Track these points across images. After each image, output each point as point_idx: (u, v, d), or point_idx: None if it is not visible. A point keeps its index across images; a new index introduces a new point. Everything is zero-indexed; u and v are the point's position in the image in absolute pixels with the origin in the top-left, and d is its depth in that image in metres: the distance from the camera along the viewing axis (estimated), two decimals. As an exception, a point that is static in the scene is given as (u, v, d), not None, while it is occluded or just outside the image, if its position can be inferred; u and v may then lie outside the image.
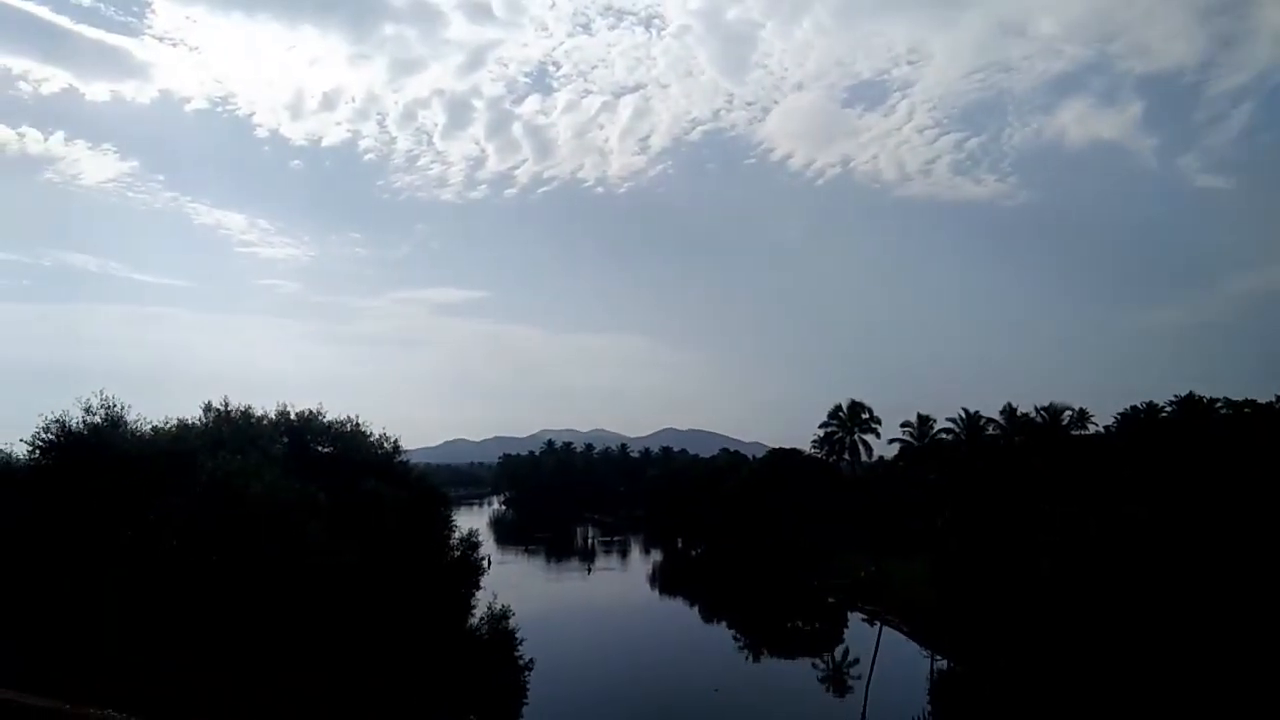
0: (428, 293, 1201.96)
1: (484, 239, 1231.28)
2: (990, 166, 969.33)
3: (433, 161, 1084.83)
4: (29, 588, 20.72)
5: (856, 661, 50.28)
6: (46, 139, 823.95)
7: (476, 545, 41.27)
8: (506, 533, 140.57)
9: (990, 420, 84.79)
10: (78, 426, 26.52)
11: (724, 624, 64.66)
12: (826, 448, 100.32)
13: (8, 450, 27.49)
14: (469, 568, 39.71)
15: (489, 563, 43.48)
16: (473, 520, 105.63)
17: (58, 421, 26.17)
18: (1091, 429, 76.45)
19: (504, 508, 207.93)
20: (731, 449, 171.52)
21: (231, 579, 22.78)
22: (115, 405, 27.74)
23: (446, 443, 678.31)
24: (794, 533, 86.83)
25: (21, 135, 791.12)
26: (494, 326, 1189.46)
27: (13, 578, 20.97)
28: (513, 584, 53.61)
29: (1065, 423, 75.72)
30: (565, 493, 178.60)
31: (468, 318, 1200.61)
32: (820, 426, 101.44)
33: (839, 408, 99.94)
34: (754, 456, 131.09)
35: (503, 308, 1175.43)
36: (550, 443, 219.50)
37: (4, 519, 21.74)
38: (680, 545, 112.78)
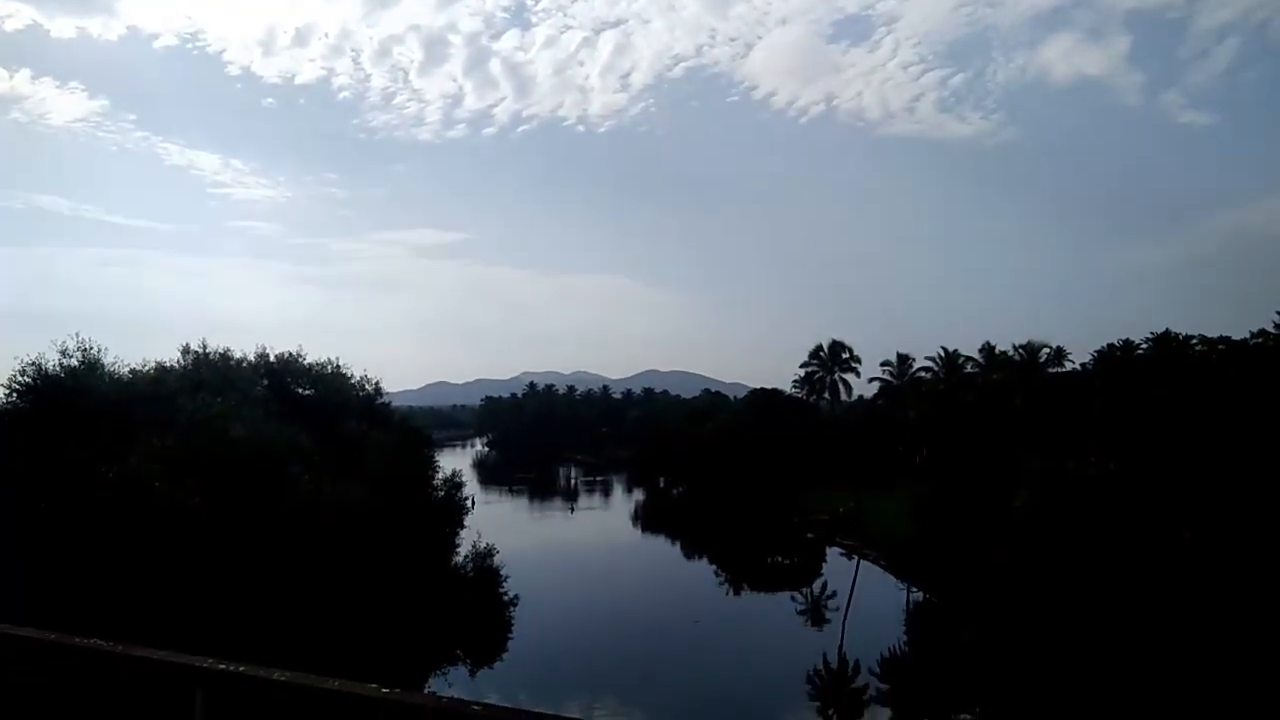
0: (408, 234, 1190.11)
1: (463, 180, 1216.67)
2: (974, 104, 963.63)
3: (409, 100, 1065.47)
4: (8, 530, 20.71)
5: (834, 595, 51.38)
6: (12, 76, 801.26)
7: (460, 486, 41.58)
8: (490, 474, 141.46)
9: (969, 358, 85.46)
10: (54, 370, 26.31)
11: (705, 560, 65.75)
12: (807, 387, 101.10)
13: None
14: (453, 507, 40.13)
15: (473, 503, 43.83)
16: (456, 461, 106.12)
17: (34, 364, 25.94)
18: (1069, 366, 77.25)
19: (487, 449, 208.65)
20: (713, 389, 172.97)
21: (215, 520, 22.88)
22: (92, 348, 27.54)
23: (428, 385, 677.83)
24: (775, 471, 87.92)
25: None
26: (475, 268, 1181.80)
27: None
28: (497, 523, 54.10)
29: (1043, 360, 76.43)
30: (548, 434, 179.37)
31: (448, 259, 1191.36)
32: (801, 366, 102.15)
33: (820, 347, 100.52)
34: (735, 397, 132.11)
35: (484, 249, 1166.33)
36: (532, 385, 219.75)
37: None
38: (662, 485, 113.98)
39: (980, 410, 66.45)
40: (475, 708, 2.76)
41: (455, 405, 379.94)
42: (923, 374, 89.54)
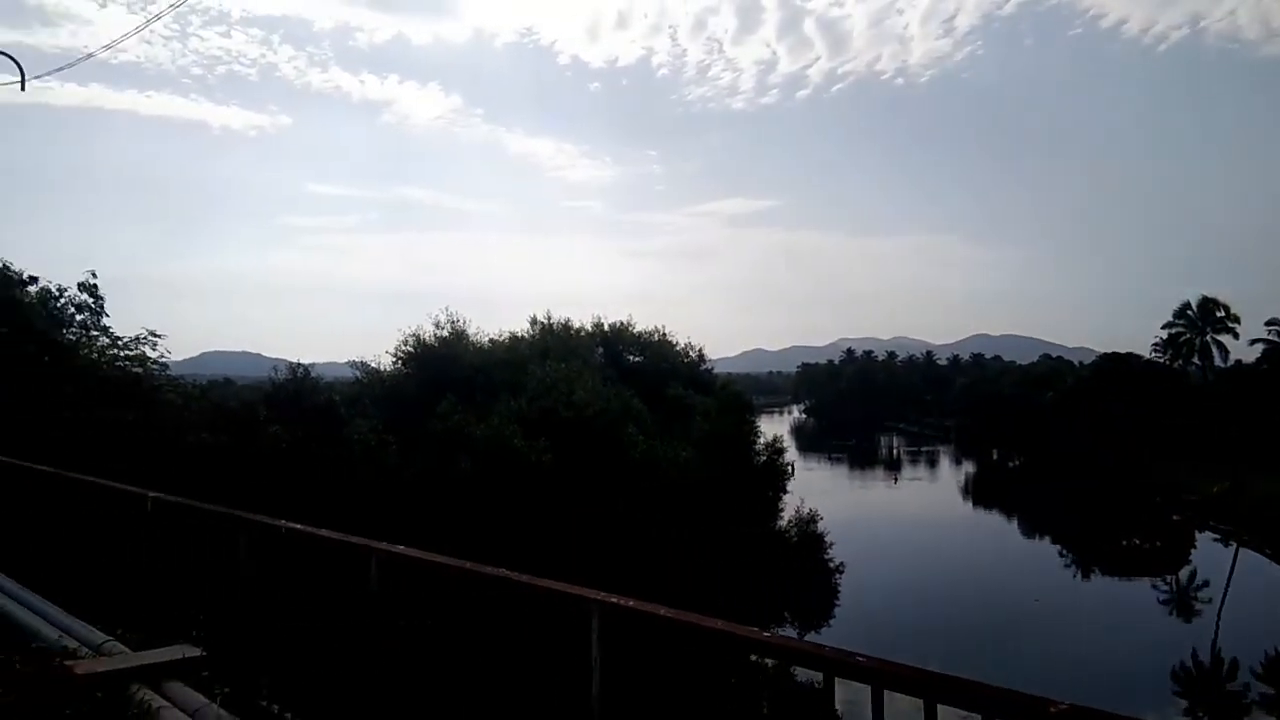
0: (720, 205, 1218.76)
1: (775, 146, 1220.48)
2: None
3: (723, 70, 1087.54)
4: (393, 473, 24.13)
5: (1206, 584, 45.23)
6: (383, 82, 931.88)
7: (781, 451, 41.99)
8: (808, 440, 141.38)
9: (1391, 314, 70.56)
10: (430, 340, 30.36)
11: (1046, 539, 60.78)
12: (1170, 351, 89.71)
13: (376, 364, 31.92)
14: (775, 472, 40.62)
15: (793, 469, 44.05)
16: (774, 427, 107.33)
17: (414, 335, 30.10)
18: None
19: (804, 416, 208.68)
20: (1053, 354, 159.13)
21: (564, 474, 25.07)
22: (458, 320, 31.37)
23: (744, 352, 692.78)
24: (1130, 444, 78.99)
25: (362, 82, 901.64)
26: (787, 234, 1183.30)
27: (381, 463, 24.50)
28: (818, 490, 53.94)
29: None
30: (867, 402, 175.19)
31: (760, 227, 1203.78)
32: (1163, 327, 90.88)
33: (1187, 305, 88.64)
34: (1080, 362, 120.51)
35: (795, 214, 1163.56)
36: (850, 351, 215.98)
37: (383, 417, 25.50)
38: (995, 457, 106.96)
39: None
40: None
41: (771, 372, 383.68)
42: (1324, 333, 75.38)
